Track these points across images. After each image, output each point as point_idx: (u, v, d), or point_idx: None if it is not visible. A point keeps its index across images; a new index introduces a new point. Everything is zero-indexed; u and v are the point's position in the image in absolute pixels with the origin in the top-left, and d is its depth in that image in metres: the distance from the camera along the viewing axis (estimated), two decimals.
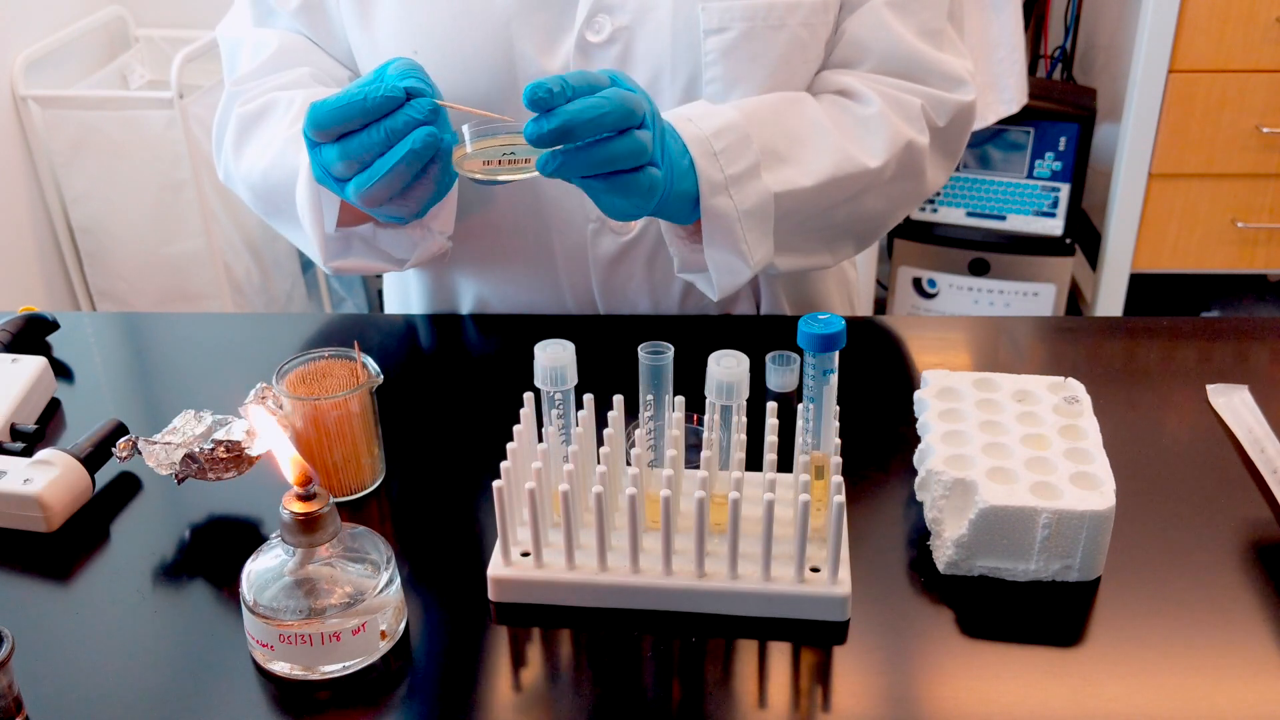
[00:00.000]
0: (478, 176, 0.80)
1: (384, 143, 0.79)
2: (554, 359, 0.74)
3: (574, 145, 0.77)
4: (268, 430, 0.71)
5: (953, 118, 1.02)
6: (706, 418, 0.76)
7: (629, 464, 0.75)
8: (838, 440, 0.74)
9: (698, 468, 0.73)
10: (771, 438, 0.74)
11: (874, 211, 1.01)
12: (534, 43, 0.96)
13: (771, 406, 0.76)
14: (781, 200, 0.93)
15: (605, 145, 0.77)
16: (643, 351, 0.75)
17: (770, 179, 0.92)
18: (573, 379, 0.75)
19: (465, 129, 0.80)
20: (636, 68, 0.97)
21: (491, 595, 0.74)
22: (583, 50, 0.96)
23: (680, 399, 0.76)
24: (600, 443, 0.75)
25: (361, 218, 0.95)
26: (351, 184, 0.82)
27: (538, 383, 0.75)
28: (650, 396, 0.75)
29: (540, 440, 0.77)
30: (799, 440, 0.76)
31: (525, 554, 0.74)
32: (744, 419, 0.75)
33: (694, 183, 0.88)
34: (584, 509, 0.77)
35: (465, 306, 1.12)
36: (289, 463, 0.68)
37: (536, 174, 0.78)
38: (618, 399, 0.77)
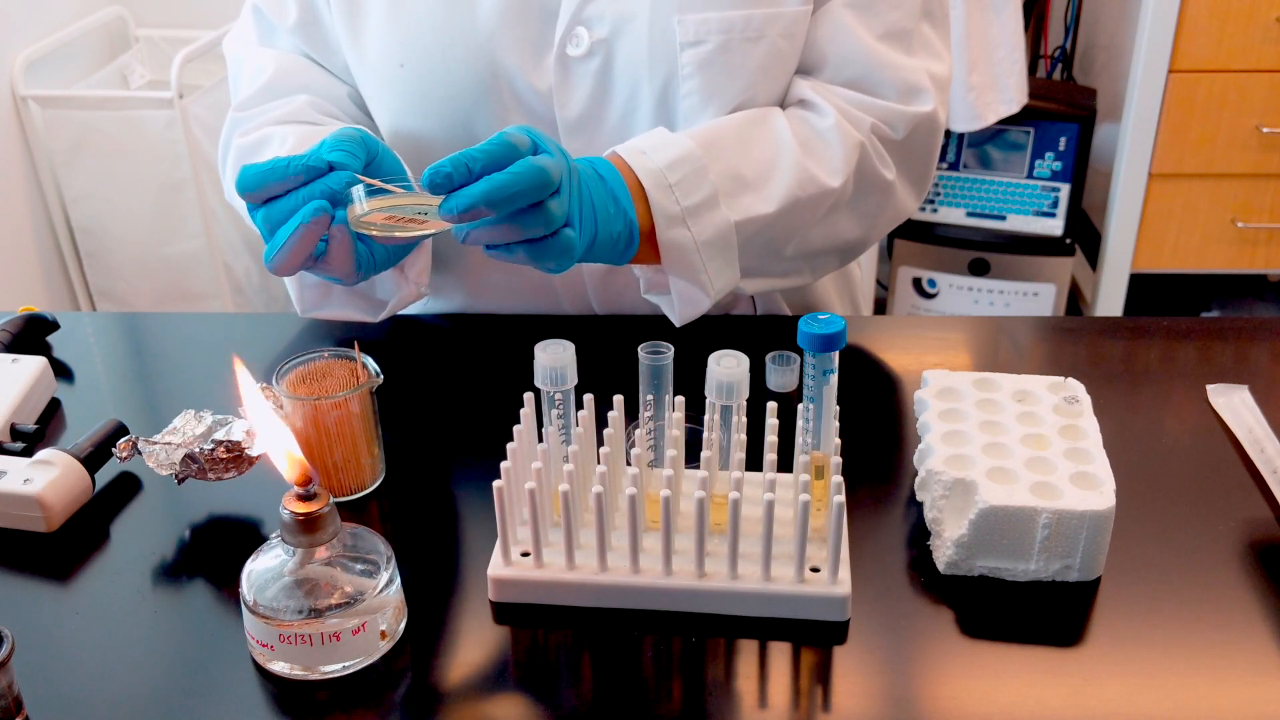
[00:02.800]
0: (374, 233, 0.78)
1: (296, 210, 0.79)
2: (554, 359, 0.74)
3: (486, 220, 0.76)
4: (264, 420, 0.70)
5: (910, 129, 0.99)
6: (706, 418, 0.76)
7: (629, 464, 0.75)
8: (838, 440, 0.74)
9: (698, 468, 0.73)
10: (771, 438, 0.74)
11: (848, 230, 1.01)
12: (517, 57, 0.96)
13: (771, 406, 0.76)
14: (742, 228, 0.92)
15: (516, 218, 0.76)
16: (643, 351, 0.75)
17: (729, 207, 0.91)
18: (573, 379, 0.75)
19: (356, 190, 0.78)
20: (615, 80, 0.96)
21: (491, 595, 0.74)
22: (563, 65, 0.96)
23: (680, 399, 0.76)
24: (600, 443, 0.75)
25: None
26: (265, 255, 0.82)
27: (538, 383, 0.75)
28: (650, 396, 0.75)
29: (540, 440, 0.77)
30: (799, 440, 0.76)
31: (525, 554, 0.74)
32: (744, 419, 0.75)
33: (625, 223, 0.87)
34: (584, 509, 0.77)
35: (466, 308, 1.12)
36: (284, 456, 0.67)
37: (435, 231, 0.78)
38: (618, 399, 0.77)
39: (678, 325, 0.96)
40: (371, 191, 0.77)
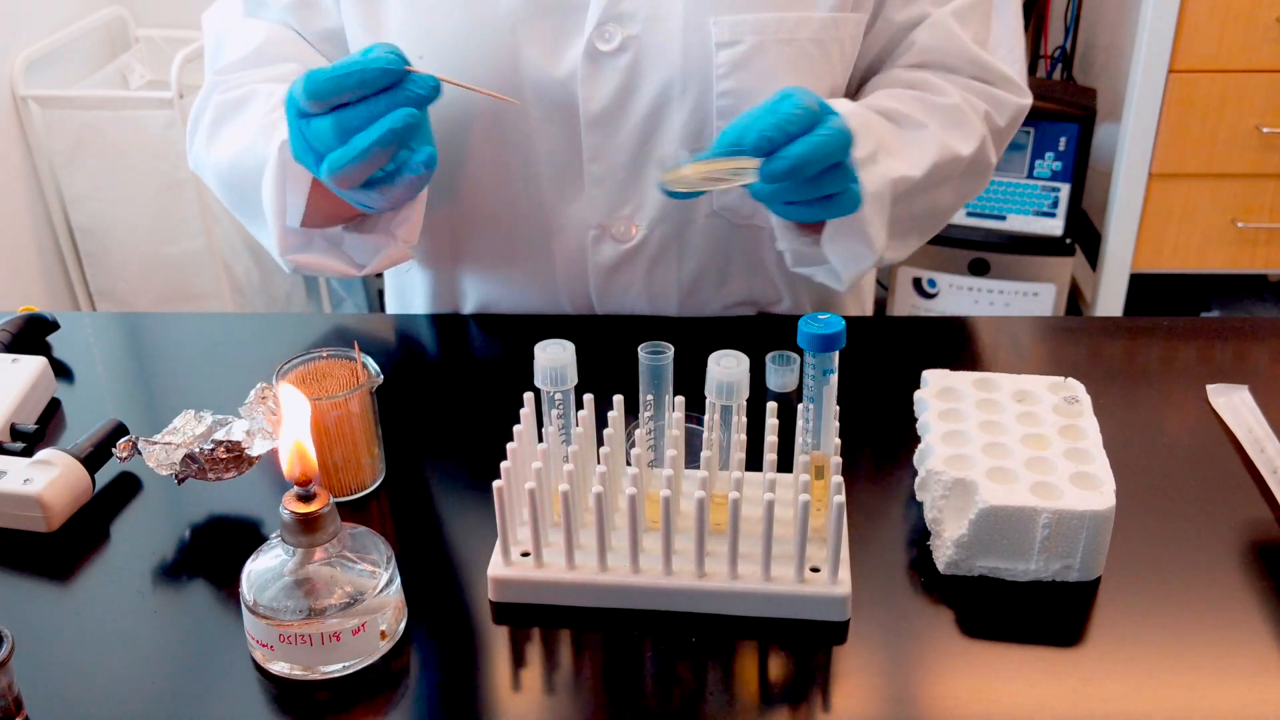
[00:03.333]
0: (680, 189, 0.81)
1: (381, 115, 0.78)
2: (554, 359, 0.74)
3: (795, 180, 0.79)
4: (294, 411, 0.70)
5: (1011, 119, 1.06)
6: (706, 418, 0.76)
7: (629, 464, 0.75)
8: (837, 440, 0.74)
9: (698, 468, 0.73)
10: (771, 438, 0.74)
11: (945, 204, 1.03)
12: (540, 48, 0.96)
13: (771, 406, 0.76)
14: (896, 186, 0.94)
15: (821, 177, 0.81)
16: (643, 351, 0.75)
17: (885, 165, 0.93)
18: (573, 379, 0.75)
19: (684, 151, 0.84)
20: (645, 78, 0.97)
21: (491, 595, 0.74)
22: (592, 58, 0.96)
23: (680, 399, 0.76)
24: (600, 443, 0.75)
25: (329, 219, 0.95)
26: (326, 160, 0.80)
27: (538, 383, 0.75)
28: (650, 396, 0.75)
29: (540, 440, 0.77)
30: (799, 440, 0.76)
31: (525, 554, 0.74)
32: (744, 419, 0.75)
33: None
34: (584, 509, 0.77)
35: (467, 307, 1.12)
36: (292, 452, 0.67)
37: (738, 185, 0.81)
38: (618, 399, 0.77)
39: (844, 288, 0.99)
40: (695, 159, 0.81)
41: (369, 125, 0.78)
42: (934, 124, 0.99)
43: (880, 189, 0.92)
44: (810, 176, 0.80)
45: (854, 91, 1.06)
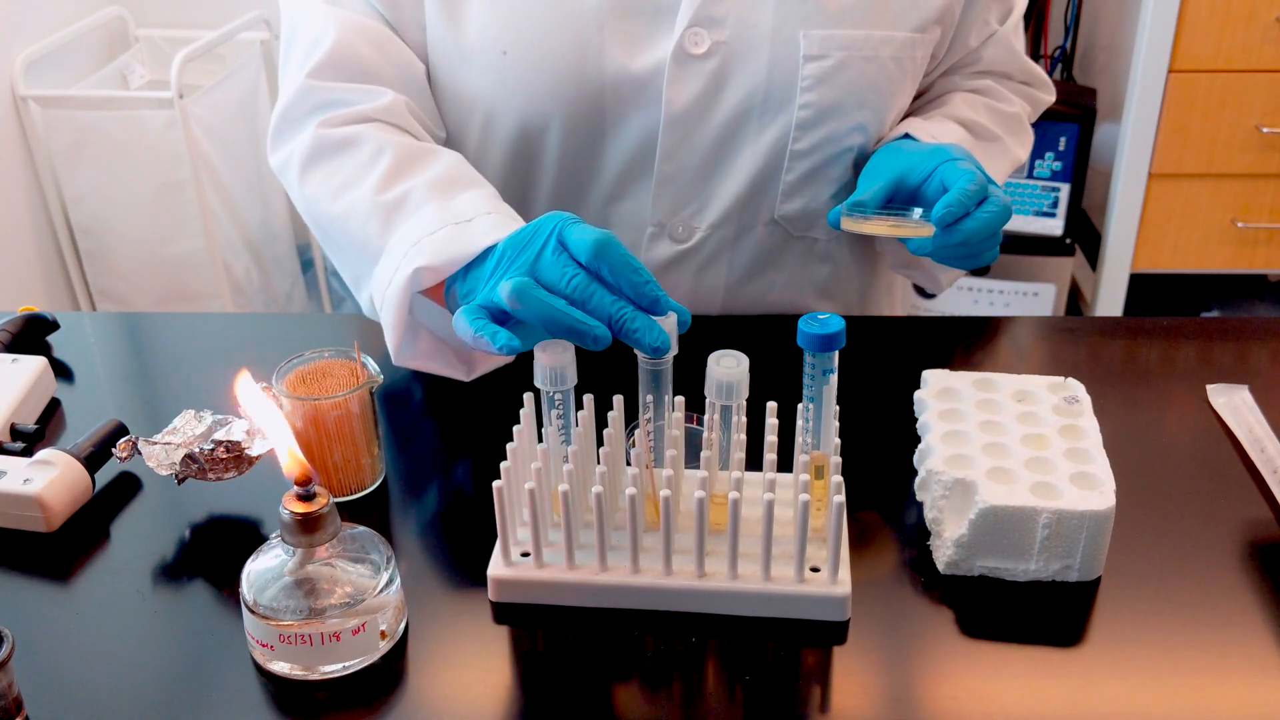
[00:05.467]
0: (849, 228, 0.93)
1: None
2: (554, 359, 0.74)
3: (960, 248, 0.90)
4: (265, 416, 0.70)
5: (1039, 115, 1.18)
6: (706, 417, 0.76)
7: (629, 464, 0.75)
8: (837, 440, 0.74)
9: (698, 468, 0.73)
10: (771, 438, 0.74)
11: None
12: (625, 47, 0.97)
13: (771, 406, 0.76)
14: None
15: (982, 244, 0.90)
16: (642, 355, 0.75)
17: None
18: (572, 379, 0.75)
19: (858, 205, 0.93)
20: (730, 84, 0.97)
21: (491, 595, 0.74)
22: (680, 61, 0.96)
23: (680, 399, 0.76)
24: (600, 443, 0.75)
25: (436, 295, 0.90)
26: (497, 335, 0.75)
27: (537, 383, 0.75)
28: (650, 397, 0.75)
29: (540, 440, 0.77)
30: (799, 440, 0.76)
31: (525, 554, 0.74)
32: (744, 419, 0.75)
33: None
34: (584, 509, 0.77)
35: None
36: (285, 451, 0.67)
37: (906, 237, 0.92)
38: (618, 399, 0.77)
39: (940, 292, 1.11)
40: (872, 209, 0.94)
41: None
42: (1005, 134, 1.10)
43: None
44: (977, 243, 0.90)
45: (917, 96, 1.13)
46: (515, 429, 0.75)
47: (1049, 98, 1.18)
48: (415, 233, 0.85)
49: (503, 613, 0.74)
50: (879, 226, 0.92)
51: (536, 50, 0.97)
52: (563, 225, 0.77)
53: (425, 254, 0.82)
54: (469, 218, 0.85)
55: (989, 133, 1.08)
